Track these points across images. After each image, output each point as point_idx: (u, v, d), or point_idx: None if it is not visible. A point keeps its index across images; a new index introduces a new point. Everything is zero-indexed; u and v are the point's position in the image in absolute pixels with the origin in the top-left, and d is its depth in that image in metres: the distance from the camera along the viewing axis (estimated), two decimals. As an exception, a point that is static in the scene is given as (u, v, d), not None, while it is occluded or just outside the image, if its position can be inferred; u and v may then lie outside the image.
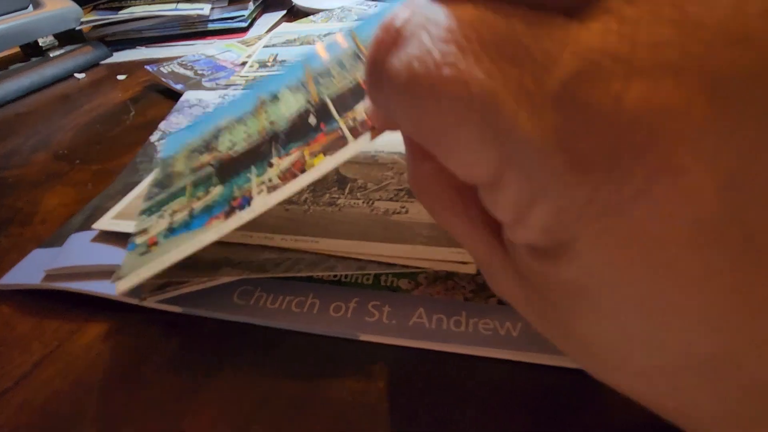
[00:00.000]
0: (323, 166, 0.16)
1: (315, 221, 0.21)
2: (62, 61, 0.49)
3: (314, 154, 0.17)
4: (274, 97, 0.21)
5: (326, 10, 0.59)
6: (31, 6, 0.51)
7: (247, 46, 0.48)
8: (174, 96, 0.39)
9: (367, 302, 0.19)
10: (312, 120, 0.18)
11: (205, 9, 0.56)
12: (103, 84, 0.47)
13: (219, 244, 0.18)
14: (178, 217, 0.19)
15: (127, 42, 0.57)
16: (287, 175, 0.17)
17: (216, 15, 0.57)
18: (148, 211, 0.20)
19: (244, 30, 0.57)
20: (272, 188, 0.17)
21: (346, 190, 0.22)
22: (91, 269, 0.20)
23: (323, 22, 0.56)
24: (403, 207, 0.21)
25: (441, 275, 0.19)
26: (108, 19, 0.55)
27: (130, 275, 0.18)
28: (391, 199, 0.22)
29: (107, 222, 0.21)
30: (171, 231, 0.19)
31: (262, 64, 0.42)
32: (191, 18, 0.56)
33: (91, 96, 0.44)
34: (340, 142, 0.16)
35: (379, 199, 0.22)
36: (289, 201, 0.21)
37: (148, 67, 0.44)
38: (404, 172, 0.24)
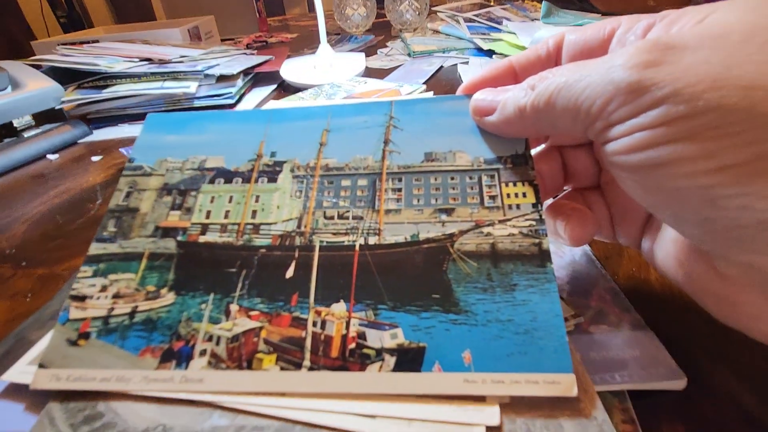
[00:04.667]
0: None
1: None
2: (36, 142, 0.47)
3: (269, 345, 0.16)
4: (273, 177, 0.20)
5: (316, 86, 0.59)
6: (9, 87, 0.49)
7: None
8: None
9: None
10: (289, 272, 0.17)
11: (191, 87, 0.54)
12: (76, 166, 0.44)
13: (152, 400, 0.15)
14: (119, 310, 0.17)
15: (110, 119, 0.56)
16: (234, 354, 0.16)
17: (203, 92, 0.56)
18: (96, 266, 0.19)
19: (232, 106, 0.56)
20: (215, 361, 0.16)
21: None
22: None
23: (312, 99, 0.55)
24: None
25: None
26: (91, 98, 0.53)
27: (50, 373, 0.16)
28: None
29: (20, 370, 0.17)
30: (107, 331, 0.17)
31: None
32: (177, 96, 0.54)
33: (60, 179, 0.41)
34: (295, 353, 0.15)
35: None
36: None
37: (123, 150, 0.42)
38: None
